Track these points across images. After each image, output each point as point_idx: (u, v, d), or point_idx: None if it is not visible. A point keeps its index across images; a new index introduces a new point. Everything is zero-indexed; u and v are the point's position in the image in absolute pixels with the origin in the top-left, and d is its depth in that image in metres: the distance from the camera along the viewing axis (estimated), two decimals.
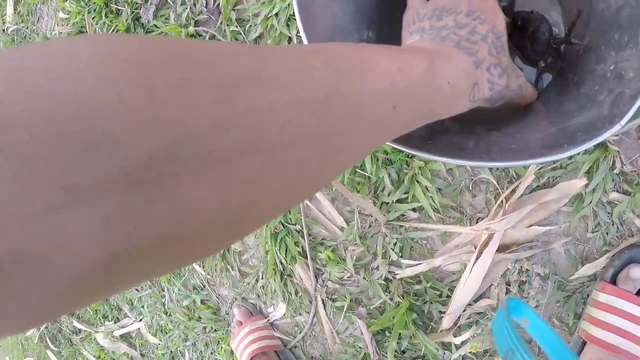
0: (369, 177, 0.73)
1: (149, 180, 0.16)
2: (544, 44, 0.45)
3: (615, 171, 0.56)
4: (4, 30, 1.66)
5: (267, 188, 0.21)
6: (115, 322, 1.49)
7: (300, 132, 0.22)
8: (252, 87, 0.21)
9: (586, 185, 0.57)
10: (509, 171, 0.62)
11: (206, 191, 0.18)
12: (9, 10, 1.58)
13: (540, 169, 0.59)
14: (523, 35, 0.47)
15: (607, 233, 0.59)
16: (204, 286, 1.11)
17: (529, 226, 0.61)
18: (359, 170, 0.73)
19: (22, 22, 1.52)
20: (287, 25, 0.76)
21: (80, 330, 1.66)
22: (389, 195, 0.71)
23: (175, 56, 0.19)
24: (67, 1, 1.23)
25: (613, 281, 0.58)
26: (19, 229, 0.13)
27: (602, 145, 0.54)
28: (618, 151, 0.54)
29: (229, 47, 0.22)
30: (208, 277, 1.08)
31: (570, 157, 0.57)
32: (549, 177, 0.60)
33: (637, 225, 0.57)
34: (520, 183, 0.60)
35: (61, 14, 1.29)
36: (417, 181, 0.68)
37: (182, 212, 0.18)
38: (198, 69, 0.19)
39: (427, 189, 0.67)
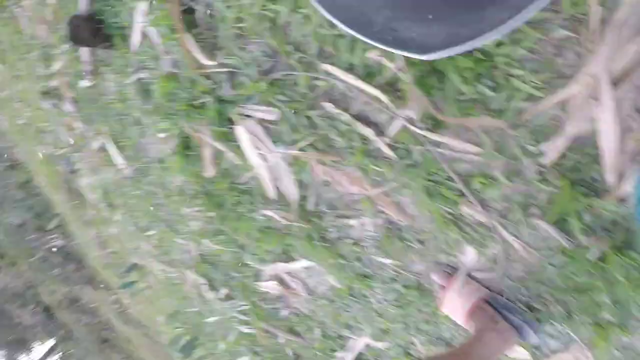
0: (471, 99, 0.84)
1: None
2: None
3: None
4: (124, 176, 2.00)
5: None
6: (342, 349, 1.70)
7: None
8: None
9: None
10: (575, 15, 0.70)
11: None
12: (119, 159, 1.91)
13: None
14: None
15: None
16: (399, 273, 1.26)
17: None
18: (459, 97, 0.85)
19: (136, 160, 1.83)
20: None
21: None
22: (494, 103, 0.82)
23: None
24: (160, 122, 1.49)
25: None
26: None
27: None
28: None
29: None
30: (396, 263, 1.24)
31: None
32: None
33: None
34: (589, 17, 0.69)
35: (161, 135, 1.55)
36: (511, 75, 0.78)
37: None
38: None
39: (523, 77, 0.77)
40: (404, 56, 0.85)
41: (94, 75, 1.59)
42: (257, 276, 1.78)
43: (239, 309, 2.05)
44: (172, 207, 1.82)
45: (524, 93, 0.80)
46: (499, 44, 0.79)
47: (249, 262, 1.72)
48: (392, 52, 0.86)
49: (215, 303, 2.14)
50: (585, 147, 0.80)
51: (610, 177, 0.79)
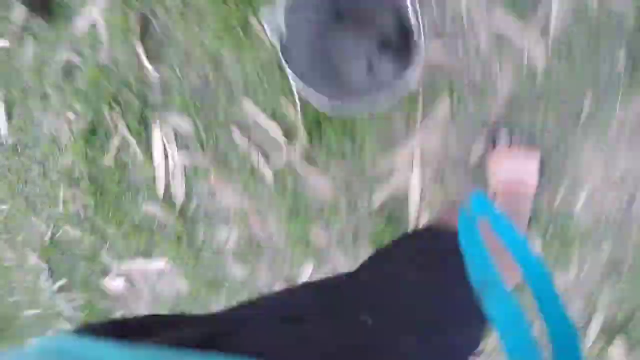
0: (338, 150, 1.27)
1: None
2: None
3: None
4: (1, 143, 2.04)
5: None
6: None
7: None
8: None
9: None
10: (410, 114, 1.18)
11: None
12: (3, 124, 1.93)
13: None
14: None
15: None
16: (246, 282, 1.59)
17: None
18: (330, 147, 1.27)
19: (23, 131, 1.91)
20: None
21: None
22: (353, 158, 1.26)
23: None
24: (76, 104, 1.68)
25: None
26: None
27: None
28: None
29: None
30: (247, 272, 1.57)
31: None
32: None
33: None
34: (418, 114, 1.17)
35: (69, 114, 1.72)
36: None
37: None
38: None
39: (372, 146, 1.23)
40: (301, 110, 1.27)
41: (16, 39, 1.70)
42: (106, 272, 1.93)
43: (71, 303, 2.13)
44: (45, 186, 1.91)
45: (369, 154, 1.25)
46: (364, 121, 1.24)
47: (104, 256, 1.89)
48: (298, 104, 1.27)
49: (45, 294, 2.17)
50: (400, 197, 1.26)
51: (412, 219, 1.25)
